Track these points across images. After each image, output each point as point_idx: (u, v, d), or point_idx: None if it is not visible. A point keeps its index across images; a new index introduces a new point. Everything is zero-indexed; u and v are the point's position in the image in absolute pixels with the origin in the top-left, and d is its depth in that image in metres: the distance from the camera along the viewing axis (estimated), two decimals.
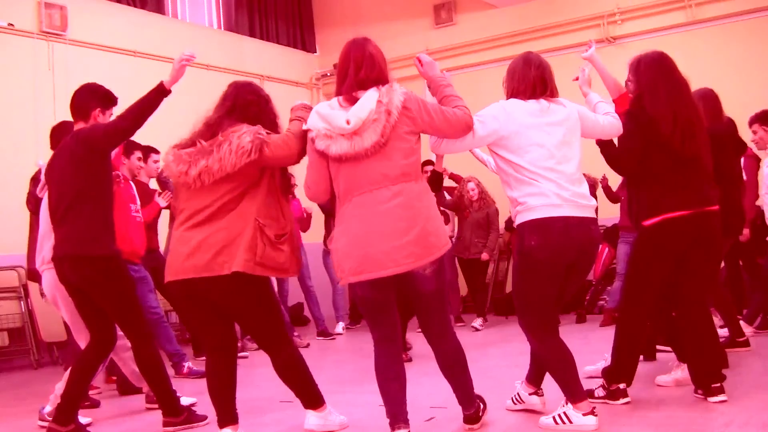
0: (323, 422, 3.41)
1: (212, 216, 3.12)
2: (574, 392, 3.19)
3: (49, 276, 4.12)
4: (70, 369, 3.79)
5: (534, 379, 3.55)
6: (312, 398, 3.39)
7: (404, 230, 2.92)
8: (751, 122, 5.37)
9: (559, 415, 3.21)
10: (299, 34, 10.88)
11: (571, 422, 3.17)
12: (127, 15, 8.48)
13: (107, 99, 3.80)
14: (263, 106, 3.30)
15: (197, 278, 3.09)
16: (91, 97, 3.76)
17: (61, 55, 7.65)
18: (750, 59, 7.93)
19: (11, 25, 7.38)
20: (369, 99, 2.97)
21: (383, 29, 10.05)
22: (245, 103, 3.25)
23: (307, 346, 7.07)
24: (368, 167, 2.96)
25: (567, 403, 3.20)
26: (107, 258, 3.63)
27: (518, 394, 3.60)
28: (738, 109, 4.76)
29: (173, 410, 3.79)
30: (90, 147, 3.59)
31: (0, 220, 6.60)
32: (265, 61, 10.01)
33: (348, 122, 2.94)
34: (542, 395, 3.54)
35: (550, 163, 3.16)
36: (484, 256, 7.72)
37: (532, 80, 3.26)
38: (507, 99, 3.32)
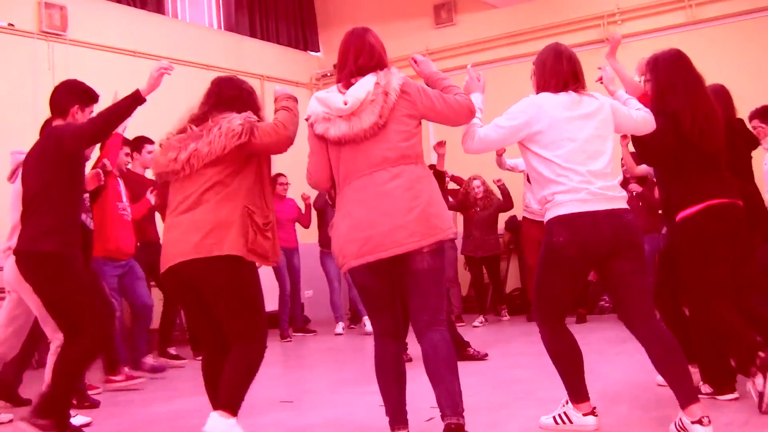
0: (227, 429, 2.97)
1: (199, 200, 3.10)
2: (577, 391, 3.18)
3: (11, 262, 4.07)
4: (52, 376, 3.68)
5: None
6: (233, 403, 3.02)
7: (406, 210, 2.87)
8: (752, 117, 5.38)
9: (560, 415, 3.20)
10: (300, 34, 10.88)
11: (571, 422, 3.16)
12: (127, 15, 8.48)
13: (87, 96, 3.76)
14: (246, 99, 3.29)
15: (185, 262, 3.03)
16: (69, 94, 3.73)
17: (61, 55, 7.65)
18: (750, 59, 7.94)
19: (11, 25, 7.38)
20: (367, 81, 2.96)
21: (383, 29, 9.95)
22: (229, 99, 3.25)
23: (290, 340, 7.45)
24: (368, 150, 2.93)
25: (567, 403, 3.20)
26: (54, 255, 3.53)
27: (680, 420, 3.06)
28: (739, 109, 4.76)
29: (61, 423, 3.57)
30: (58, 147, 3.56)
31: (0, 220, 6.60)
32: (265, 61, 10.02)
33: (345, 103, 2.93)
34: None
35: (581, 157, 3.10)
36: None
37: (564, 74, 3.20)
38: (537, 92, 3.27)
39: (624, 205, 3.16)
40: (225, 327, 3.14)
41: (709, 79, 4.56)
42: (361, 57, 3.02)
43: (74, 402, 4.12)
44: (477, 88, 3.29)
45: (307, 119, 3.07)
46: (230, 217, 3.06)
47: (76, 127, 3.60)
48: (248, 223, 3.09)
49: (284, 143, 3.18)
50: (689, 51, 3.71)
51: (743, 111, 4.82)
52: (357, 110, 2.91)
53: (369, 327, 7.68)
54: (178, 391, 4.90)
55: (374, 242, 2.87)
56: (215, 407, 3.01)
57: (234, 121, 3.09)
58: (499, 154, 7.32)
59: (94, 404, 4.53)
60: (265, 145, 3.15)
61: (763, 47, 7.93)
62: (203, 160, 3.09)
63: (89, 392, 4.69)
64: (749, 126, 5.34)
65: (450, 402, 2.80)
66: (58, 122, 3.71)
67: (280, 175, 7.60)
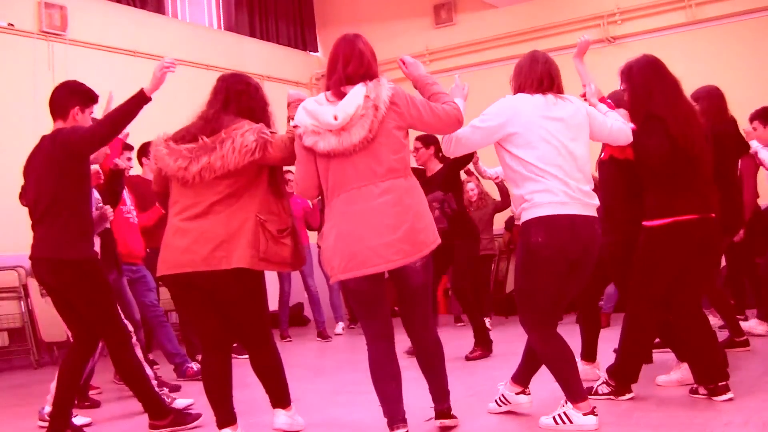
0: (291, 421, 3.43)
1: (210, 209, 3.12)
2: (575, 392, 3.18)
3: None
4: (57, 375, 3.72)
5: (522, 379, 3.53)
6: (283, 397, 3.42)
7: (393, 227, 2.91)
8: (752, 119, 5.37)
9: (560, 415, 3.20)
10: (300, 33, 10.88)
11: (571, 422, 3.16)
12: (127, 15, 8.48)
13: (87, 97, 3.76)
14: (253, 94, 3.32)
15: (194, 273, 3.09)
16: (69, 95, 3.72)
17: (61, 55, 7.65)
18: (750, 59, 7.94)
19: (11, 25, 7.39)
20: (356, 94, 2.95)
21: (383, 29, 10.06)
22: (236, 94, 3.27)
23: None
24: (356, 163, 2.94)
25: (567, 403, 3.20)
26: (83, 262, 3.59)
27: (503, 395, 3.57)
28: (738, 109, 4.76)
29: (158, 412, 3.77)
30: (68, 150, 3.56)
31: (0, 219, 6.61)
32: (265, 61, 10.02)
33: (336, 118, 2.92)
34: (529, 394, 3.53)
35: (558, 160, 3.15)
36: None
37: (539, 75, 3.26)
38: (514, 93, 3.32)
39: (595, 213, 3.26)
40: (240, 333, 3.36)
41: (709, 79, 4.55)
42: (350, 65, 3.02)
43: (75, 401, 4.13)
44: (459, 94, 3.33)
45: (295, 128, 3.06)
46: (240, 229, 3.10)
47: (86, 130, 3.60)
48: (259, 233, 3.11)
49: (293, 159, 3.21)
50: (689, 51, 3.72)
51: (743, 111, 4.82)
52: (347, 125, 2.92)
53: (339, 329, 7.71)
54: (178, 392, 4.89)
55: (360, 258, 2.91)
56: (274, 406, 3.40)
57: (248, 136, 3.09)
58: (474, 162, 7.12)
59: (94, 404, 4.52)
60: (278, 159, 3.19)
61: (763, 47, 7.93)
62: (215, 173, 3.10)
63: (89, 392, 4.68)
64: (750, 126, 5.35)
65: (441, 392, 3.27)
66: (59, 124, 3.70)
67: (286, 171, 7.59)
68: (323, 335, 7.64)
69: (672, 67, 3.65)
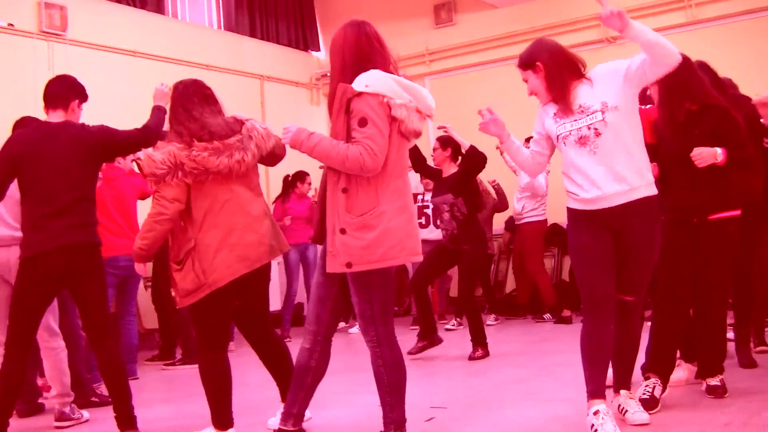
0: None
1: (252, 190, 3.38)
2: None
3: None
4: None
5: (626, 382, 3.37)
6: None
7: None
8: None
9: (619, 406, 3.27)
10: (300, 33, 10.87)
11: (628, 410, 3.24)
12: (127, 15, 8.48)
13: (83, 93, 3.82)
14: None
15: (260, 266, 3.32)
16: (70, 88, 3.77)
17: (61, 55, 7.65)
18: (750, 59, 7.93)
19: (11, 25, 7.38)
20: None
21: (383, 29, 9.89)
22: (213, 99, 3.43)
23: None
24: (406, 151, 2.99)
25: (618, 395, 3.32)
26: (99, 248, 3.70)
27: (621, 406, 3.28)
28: None
29: (129, 421, 3.58)
30: (104, 146, 3.69)
31: None
32: (265, 61, 10.02)
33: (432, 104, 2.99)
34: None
35: None
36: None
37: None
38: (580, 77, 3.48)
39: None
40: (257, 325, 3.51)
41: None
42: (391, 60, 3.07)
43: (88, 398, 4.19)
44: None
45: (382, 98, 2.81)
46: (271, 217, 3.46)
47: (131, 133, 3.77)
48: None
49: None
50: (689, 51, 3.72)
51: None
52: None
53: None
54: (179, 392, 4.90)
55: (419, 244, 2.99)
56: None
57: (258, 125, 3.41)
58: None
59: (104, 401, 4.52)
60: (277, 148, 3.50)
61: (763, 47, 7.93)
62: (255, 159, 3.36)
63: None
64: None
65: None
66: (59, 113, 3.67)
67: (307, 174, 7.63)
68: (285, 335, 7.75)
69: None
